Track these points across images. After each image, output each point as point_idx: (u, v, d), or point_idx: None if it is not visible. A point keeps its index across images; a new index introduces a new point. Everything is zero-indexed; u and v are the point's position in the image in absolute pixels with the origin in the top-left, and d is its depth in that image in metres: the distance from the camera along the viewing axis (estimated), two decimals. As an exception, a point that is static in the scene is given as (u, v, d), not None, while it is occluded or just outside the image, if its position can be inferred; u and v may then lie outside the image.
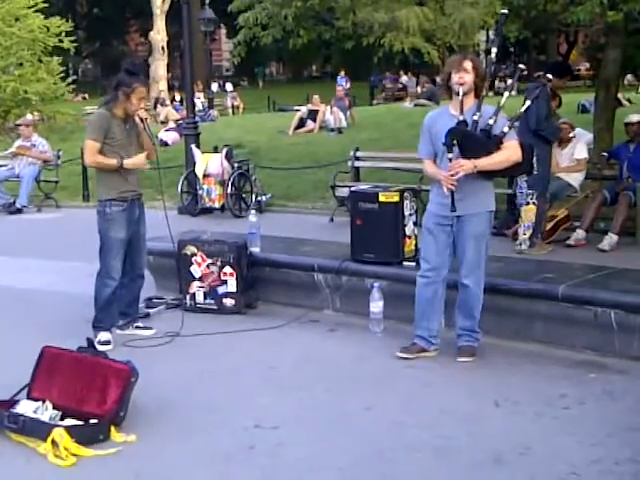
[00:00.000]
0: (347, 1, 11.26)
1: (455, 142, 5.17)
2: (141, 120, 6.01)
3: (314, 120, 20.72)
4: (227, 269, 6.74)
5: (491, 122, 5.27)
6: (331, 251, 7.01)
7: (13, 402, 4.67)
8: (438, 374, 5.29)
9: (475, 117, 5.25)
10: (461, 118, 5.23)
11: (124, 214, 5.98)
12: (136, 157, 5.99)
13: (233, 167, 11.96)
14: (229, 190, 11.66)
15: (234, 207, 11.75)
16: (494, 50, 5.76)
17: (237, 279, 6.73)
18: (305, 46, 12.65)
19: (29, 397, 4.73)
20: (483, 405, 4.78)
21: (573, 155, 9.49)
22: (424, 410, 4.74)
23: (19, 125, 14.55)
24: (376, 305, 6.09)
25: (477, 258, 5.40)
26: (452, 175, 5.18)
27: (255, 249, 6.98)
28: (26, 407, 4.58)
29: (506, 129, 5.33)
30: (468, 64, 5.29)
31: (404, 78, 38.42)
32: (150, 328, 6.30)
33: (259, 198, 12.01)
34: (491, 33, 47.13)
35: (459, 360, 5.49)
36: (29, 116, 17.90)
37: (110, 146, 5.90)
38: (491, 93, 29.41)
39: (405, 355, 5.53)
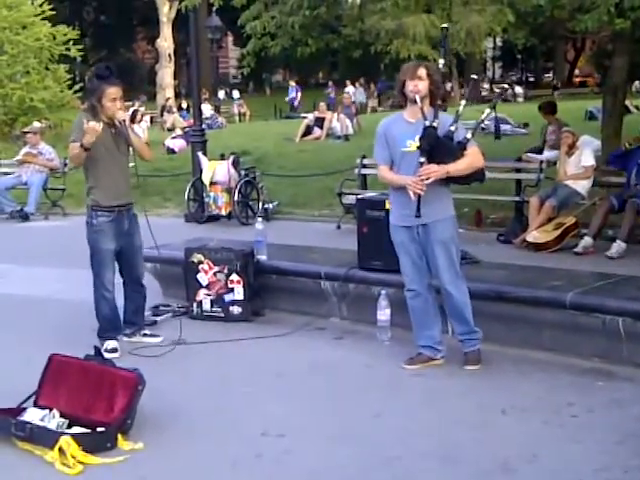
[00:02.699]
0: (355, 9, 11.29)
1: (428, 147, 5.16)
2: (120, 122, 5.87)
3: (321, 127, 20.77)
4: (234, 277, 6.74)
5: (452, 129, 5.25)
6: (338, 259, 7.01)
7: (20, 410, 4.67)
8: (445, 382, 5.28)
9: (434, 124, 5.20)
10: (427, 123, 5.19)
11: (112, 225, 5.93)
12: (88, 126, 5.64)
13: (240, 174, 11.96)
14: (236, 198, 11.65)
15: (241, 215, 11.75)
16: (441, 62, 5.72)
17: (244, 287, 6.73)
18: (312, 54, 12.65)
19: (36, 405, 4.73)
20: (490, 413, 4.77)
21: (580, 162, 9.49)
22: (431, 418, 4.73)
23: (26, 133, 14.57)
24: (383, 313, 6.08)
25: (451, 263, 5.37)
26: (422, 180, 5.16)
27: (262, 257, 6.98)
28: (33, 415, 4.58)
29: (469, 135, 5.32)
30: (422, 71, 5.26)
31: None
32: (157, 336, 6.30)
33: (266, 206, 12.00)
34: (498, 40, 47.13)
35: (466, 368, 5.48)
36: (36, 124, 17.93)
37: (100, 150, 5.81)
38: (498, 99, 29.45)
39: (410, 367, 5.51)
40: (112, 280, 6.03)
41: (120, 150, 5.97)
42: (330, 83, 39.87)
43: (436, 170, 5.16)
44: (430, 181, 5.16)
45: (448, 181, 5.35)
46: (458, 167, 5.24)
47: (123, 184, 6.01)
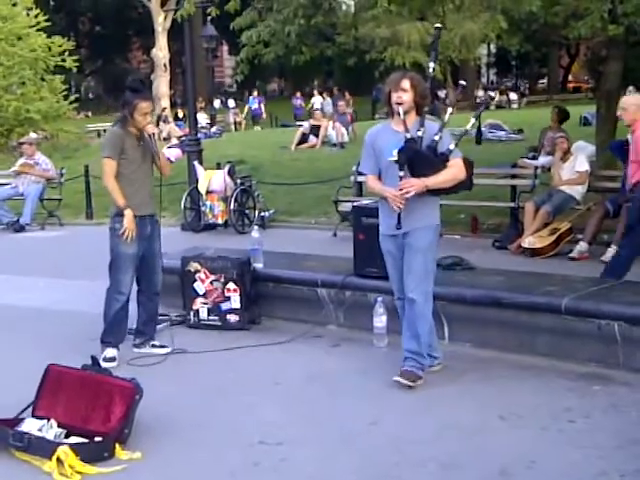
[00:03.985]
0: (349, 17, 11.33)
1: (405, 161, 5.11)
2: (149, 136, 6.03)
3: (316, 135, 20.77)
4: (231, 285, 6.75)
5: (437, 138, 5.17)
6: (334, 266, 7.02)
7: (18, 420, 4.67)
8: (442, 388, 5.28)
9: (419, 133, 5.15)
10: (408, 136, 5.13)
11: (134, 229, 5.98)
12: (126, 218, 5.90)
13: (236, 183, 11.99)
14: (232, 206, 11.68)
15: (237, 223, 11.77)
16: (432, 65, 5.61)
17: (241, 295, 6.74)
18: (307, 62, 12.69)
19: (34, 415, 4.73)
20: (488, 419, 4.77)
21: (574, 168, 9.51)
22: (429, 425, 4.74)
23: (22, 143, 14.58)
24: (379, 320, 6.10)
25: (423, 272, 5.26)
26: (402, 194, 5.11)
27: (258, 265, 6.99)
28: (31, 425, 4.58)
29: (452, 146, 5.24)
30: (406, 83, 5.19)
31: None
32: (166, 346, 6.28)
33: (262, 214, 12.03)
34: (492, 47, 47.17)
35: (394, 379, 5.26)
36: (32, 134, 17.95)
37: (125, 162, 5.94)
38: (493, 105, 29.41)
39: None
40: (129, 284, 6.05)
41: (145, 162, 6.07)
42: (298, 94, 39.32)
43: (414, 184, 5.11)
44: (410, 195, 5.11)
45: (434, 192, 5.27)
46: (437, 180, 5.16)
47: (146, 195, 6.11)
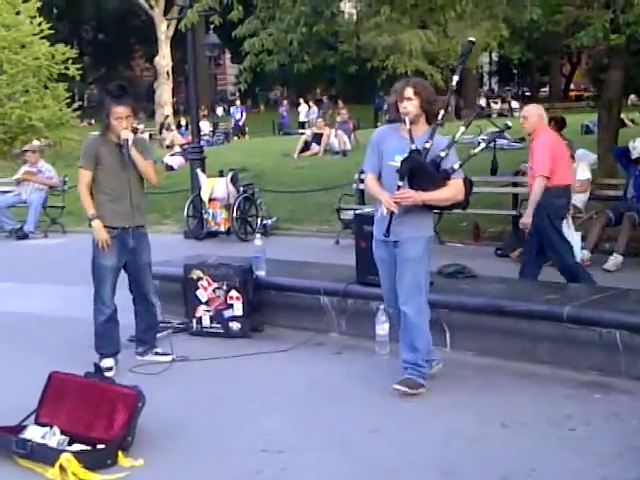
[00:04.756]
0: (351, 26, 11.37)
1: (407, 172, 5.05)
2: (124, 141, 5.83)
3: (319, 143, 20.81)
4: (233, 293, 6.76)
5: (442, 155, 5.10)
6: (336, 274, 7.03)
7: (21, 427, 4.68)
8: (444, 395, 5.28)
9: (427, 145, 5.07)
10: (414, 147, 5.05)
11: (114, 241, 5.91)
12: (101, 230, 5.84)
13: (238, 191, 12.02)
14: (235, 214, 11.70)
15: (240, 231, 11.79)
16: (455, 78, 5.52)
17: (243, 303, 6.75)
18: (309, 70, 12.74)
19: (37, 422, 4.74)
20: (489, 426, 4.78)
21: (576, 176, 9.51)
22: (430, 432, 4.74)
23: (25, 151, 14.64)
24: (382, 327, 6.10)
25: (415, 284, 5.20)
26: (396, 202, 5.07)
27: (261, 273, 7.00)
28: (34, 432, 4.59)
29: (456, 166, 5.15)
30: (409, 91, 5.12)
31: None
32: (168, 354, 6.27)
33: (264, 222, 12.05)
34: (494, 55, 47.08)
35: (393, 386, 5.25)
36: (35, 142, 18.01)
37: (101, 171, 5.86)
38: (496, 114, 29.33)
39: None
40: (110, 295, 6.01)
41: (126, 171, 5.91)
42: (285, 102, 39.11)
43: (410, 196, 5.06)
44: (403, 204, 5.08)
45: (427, 206, 5.22)
46: (433, 197, 5.12)
47: (127, 206, 5.92)
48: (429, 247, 5.31)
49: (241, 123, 34.64)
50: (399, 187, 5.09)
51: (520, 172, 11.35)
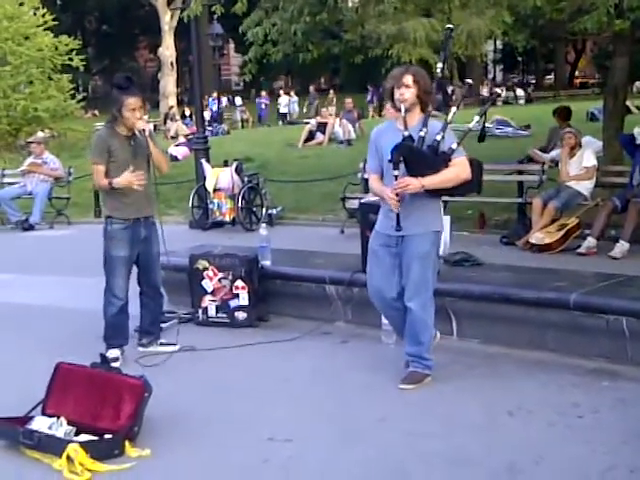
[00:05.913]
0: (355, 14, 11.32)
1: (401, 159, 4.93)
2: (140, 132, 5.85)
3: (323, 133, 20.80)
4: (239, 283, 6.76)
5: (438, 138, 4.98)
6: (342, 263, 7.02)
7: (28, 418, 4.69)
8: (451, 384, 5.28)
9: (422, 133, 4.98)
10: (406, 134, 4.97)
11: (126, 232, 5.91)
12: (123, 175, 5.80)
13: (243, 181, 12.01)
14: (239, 204, 11.70)
15: (245, 221, 11.79)
16: (439, 65, 5.38)
17: (249, 292, 6.75)
18: (314, 60, 12.70)
19: (44, 413, 4.75)
20: (497, 415, 4.77)
21: (582, 164, 9.50)
22: (438, 420, 4.74)
23: (30, 143, 14.64)
24: (388, 316, 6.09)
25: (422, 280, 5.12)
26: (397, 194, 4.97)
27: (266, 262, 7.00)
28: (41, 423, 4.60)
29: (454, 145, 5.02)
30: (408, 79, 5.01)
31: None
32: (174, 344, 6.27)
33: (269, 211, 12.04)
34: (498, 43, 47.00)
35: (399, 387, 5.21)
36: (40, 133, 18.00)
37: (114, 164, 5.85)
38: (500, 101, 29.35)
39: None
40: (123, 287, 6.01)
41: (138, 162, 5.90)
42: (263, 93, 38.58)
43: (409, 184, 4.94)
44: (407, 193, 4.97)
45: (434, 193, 5.09)
46: (434, 181, 4.96)
47: (140, 197, 5.92)
48: (437, 242, 5.24)
49: (215, 115, 34.31)
50: (396, 177, 4.96)
51: (527, 158, 11.34)
